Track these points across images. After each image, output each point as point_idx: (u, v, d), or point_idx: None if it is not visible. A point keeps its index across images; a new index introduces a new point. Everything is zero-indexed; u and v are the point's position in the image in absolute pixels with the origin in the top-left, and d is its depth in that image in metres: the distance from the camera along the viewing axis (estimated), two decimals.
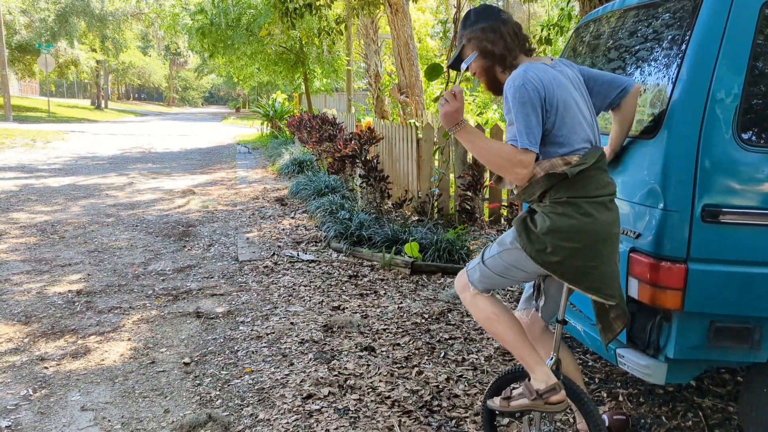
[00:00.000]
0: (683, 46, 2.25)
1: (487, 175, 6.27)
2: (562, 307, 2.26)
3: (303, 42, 14.53)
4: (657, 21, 2.55)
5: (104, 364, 3.48)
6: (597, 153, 2.09)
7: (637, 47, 2.65)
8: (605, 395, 3.08)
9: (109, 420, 2.88)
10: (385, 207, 6.53)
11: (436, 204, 6.39)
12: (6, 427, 2.80)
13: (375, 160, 6.64)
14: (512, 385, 2.34)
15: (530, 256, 2.09)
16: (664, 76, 2.34)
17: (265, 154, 14.45)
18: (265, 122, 18.59)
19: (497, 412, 2.40)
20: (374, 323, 4.08)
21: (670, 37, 2.39)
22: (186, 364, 3.49)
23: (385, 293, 4.72)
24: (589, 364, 3.46)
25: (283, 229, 6.77)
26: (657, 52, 2.47)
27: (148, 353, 3.63)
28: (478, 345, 3.75)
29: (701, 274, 2.16)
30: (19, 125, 21.50)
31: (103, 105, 45.28)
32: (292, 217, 7.35)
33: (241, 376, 3.33)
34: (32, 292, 4.68)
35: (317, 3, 6.95)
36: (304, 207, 7.70)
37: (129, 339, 3.82)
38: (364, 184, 6.70)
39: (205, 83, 72.90)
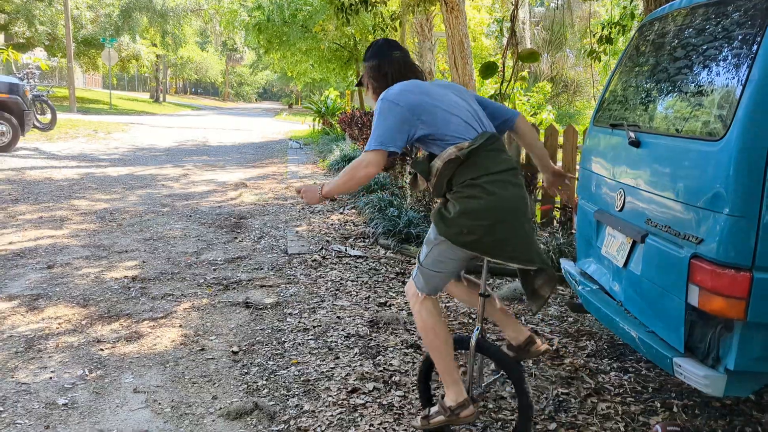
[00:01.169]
0: (754, 47, 2.15)
1: (540, 176, 6.14)
2: (483, 281, 2.52)
3: (357, 39, 14.60)
4: (727, 20, 2.45)
5: (156, 348, 3.57)
6: (486, 136, 2.36)
7: (705, 47, 2.55)
8: (659, 405, 2.98)
9: (159, 403, 2.95)
10: (434, 206, 6.51)
11: None
12: (63, 404, 2.91)
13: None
14: (430, 409, 2.59)
15: (450, 240, 2.33)
16: (734, 77, 2.24)
17: (316, 150, 14.60)
18: (317, 119, 18.79)
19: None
20: None
21: (740, 36, 2.29)
22: (234, 352, 3.55)
23: None
24: (643, 372, 3.36)
25: (332, 224, 6.82)
26: (726, 51, 2.37)
27: (198, 340, 3.71)
28: None
29: (767, 283, 2.06)
30: (83, 116, 22.33)
31: (161, 98, 46.60)
32: (341, 213, 7.40)
33: (287, 367, 3.36)
34: (90, 276, 4.85)
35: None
36: (353, 203, 7.75)
37: (180, 326, 3.92)
38: (412, 183, 6.68)
39: (259, 79, 74.06)
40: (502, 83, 5.98)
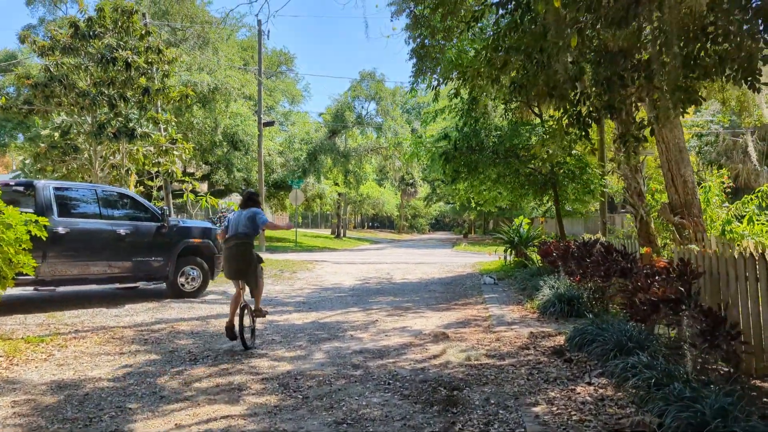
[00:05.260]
0: None
1: None
2: (245, 286, 7.38)
3: (554, 163, 13.10)
4: None
5: None
6: (232, 234, 7.29)
7: None
8: None
9: None
10: (735, 375, 4.37)
11: None
12: None
13: (722, 310, 4.59)
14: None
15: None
16: None
17: (516, 287, 12.75)
18: (509, 249, 17.09)
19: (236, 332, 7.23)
20: None
21: None
22: None
23: None
24: None
25: (583, 402, 4.89)
26: None
27: None
28: None
29: None
30: (270, 255, 22.83)
31: (341, 234, 48.29)
32: (588, 383, 5.42)
33: None
34: None
35: (617, 104, 5.42)
36: (601, 367, 5.74)
37: None
38: (701, 342, 4.64)
39: (432, 211, 75.35)
40: None
